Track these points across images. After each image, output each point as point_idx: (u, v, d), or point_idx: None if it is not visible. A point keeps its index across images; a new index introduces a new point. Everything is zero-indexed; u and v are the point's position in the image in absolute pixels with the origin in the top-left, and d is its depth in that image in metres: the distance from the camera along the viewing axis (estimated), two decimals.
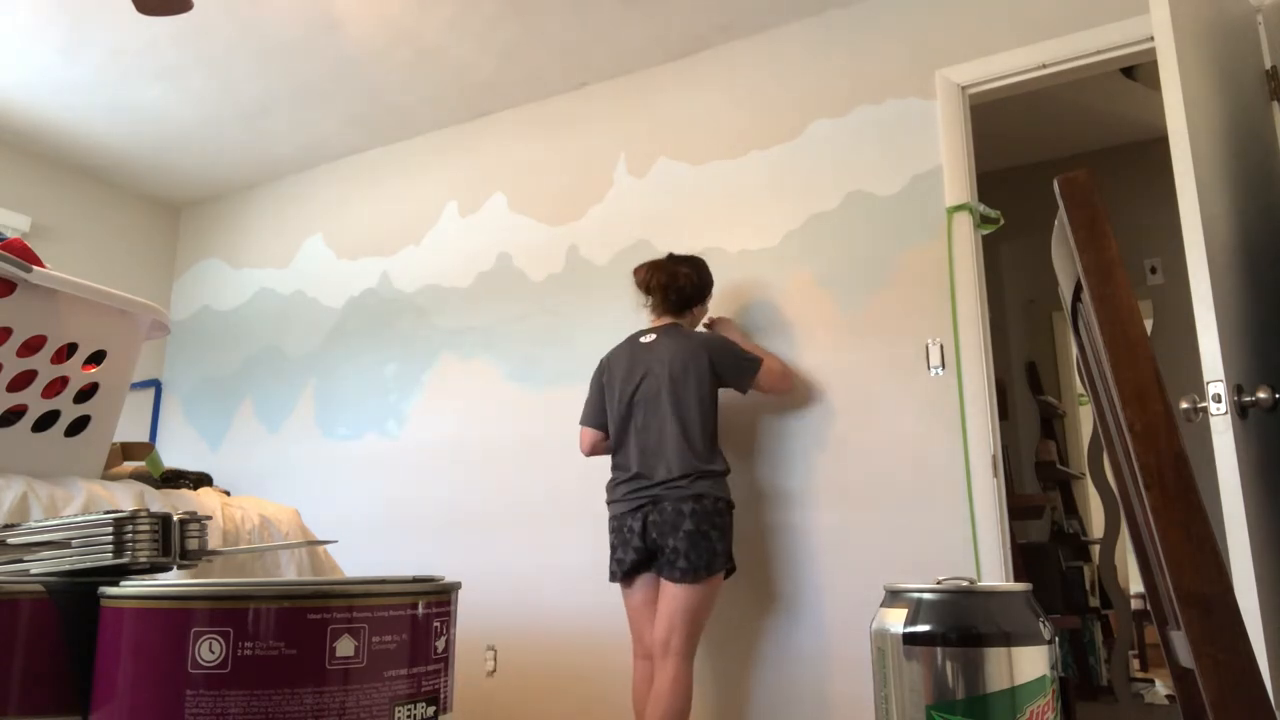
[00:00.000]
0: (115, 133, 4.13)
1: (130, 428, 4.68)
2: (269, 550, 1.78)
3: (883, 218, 3.01)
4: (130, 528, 0.87)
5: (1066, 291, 1.08)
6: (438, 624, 0.73)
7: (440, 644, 0.73)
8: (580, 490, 3.37)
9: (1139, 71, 3.82)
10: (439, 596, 0.73)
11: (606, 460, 3.27)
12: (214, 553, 0.98)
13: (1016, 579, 2.87)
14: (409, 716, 0.68)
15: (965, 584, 0.68)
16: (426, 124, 4.07)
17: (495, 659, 3.41)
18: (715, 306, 3.23)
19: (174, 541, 0.92)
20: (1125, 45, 2.74)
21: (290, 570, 1.83)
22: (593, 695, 3.18)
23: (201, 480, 1.94)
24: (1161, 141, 4.33)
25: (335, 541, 1.10)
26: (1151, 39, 2.68)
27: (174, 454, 4.53)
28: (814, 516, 2.92)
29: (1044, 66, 2.85)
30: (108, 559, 0.86)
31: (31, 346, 1.50)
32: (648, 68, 3.62)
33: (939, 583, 0.69)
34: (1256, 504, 1.60)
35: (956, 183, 2.88)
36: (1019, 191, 4.63)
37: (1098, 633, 4.15)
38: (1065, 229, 0.89)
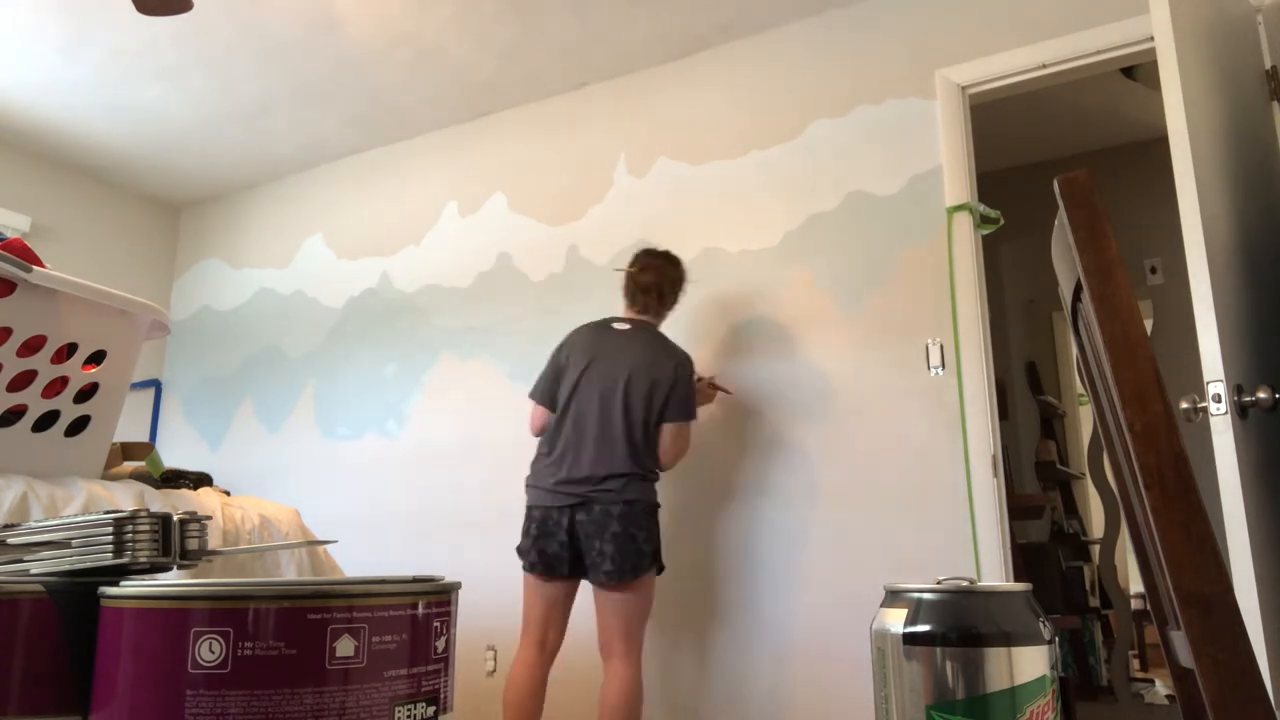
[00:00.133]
0: (115, 133, 4.13)
1: (130, 428, 4.68)
2: (269, 550, 1.78)
3: (883, 218, 3.01)
4: (130, 528, 0.87)
5: (1066, 291, 1.08)
6: (438, 624, 0.73)
7: (440, 644, 0.73)
8: None
9: (1139, 71, 3.82)
10: (439, 596, 0.73)
11: None
12: (214, 553, 0.98)
13: (1016, 579, 2.87)
14: (409, 716, 0.68)
15: (965, 584, 0.68)
16: (426, 124, 4.07)
17: (495, 659, 3.41)
18: (716, 307, 3.23)
19: (174, 541, 0.92)
20: (1125, 45, 2.74)
21: (290, 570, 1.83)
22: (593, 695, 3.18)
23: (201, 480, 1.94)
24: (1161, 141, 4.34)
25: (335, 541, 1.10)
26: (1151, 39, 2.68)
27: (174, 454, 4.53)
28: (814, 516, 2.92)
29: (1044, 66, 2.85)
30: (108, 559, 0.86)
31: (31, 346, 1.50)
32: (648, 68, 3.62)
33: (939, 583, 0.69)
34: (1256, 504, 1.60)
35: (956, 183, 2.88)
36: (1019, 191, 4.63)
37: (1098, 633, 4.15)
38: (1065, 229, 0.89)
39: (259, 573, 1.78)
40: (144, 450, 1.90)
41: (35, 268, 1.46)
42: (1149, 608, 1.10)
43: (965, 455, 2.72)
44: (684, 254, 3.36)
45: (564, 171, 3.72)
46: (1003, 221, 2.96)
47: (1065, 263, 1.05)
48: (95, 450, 1.67)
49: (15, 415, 1.53)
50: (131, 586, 0.68)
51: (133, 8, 3.07)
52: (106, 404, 1.66)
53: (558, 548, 2.50)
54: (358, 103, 3.88)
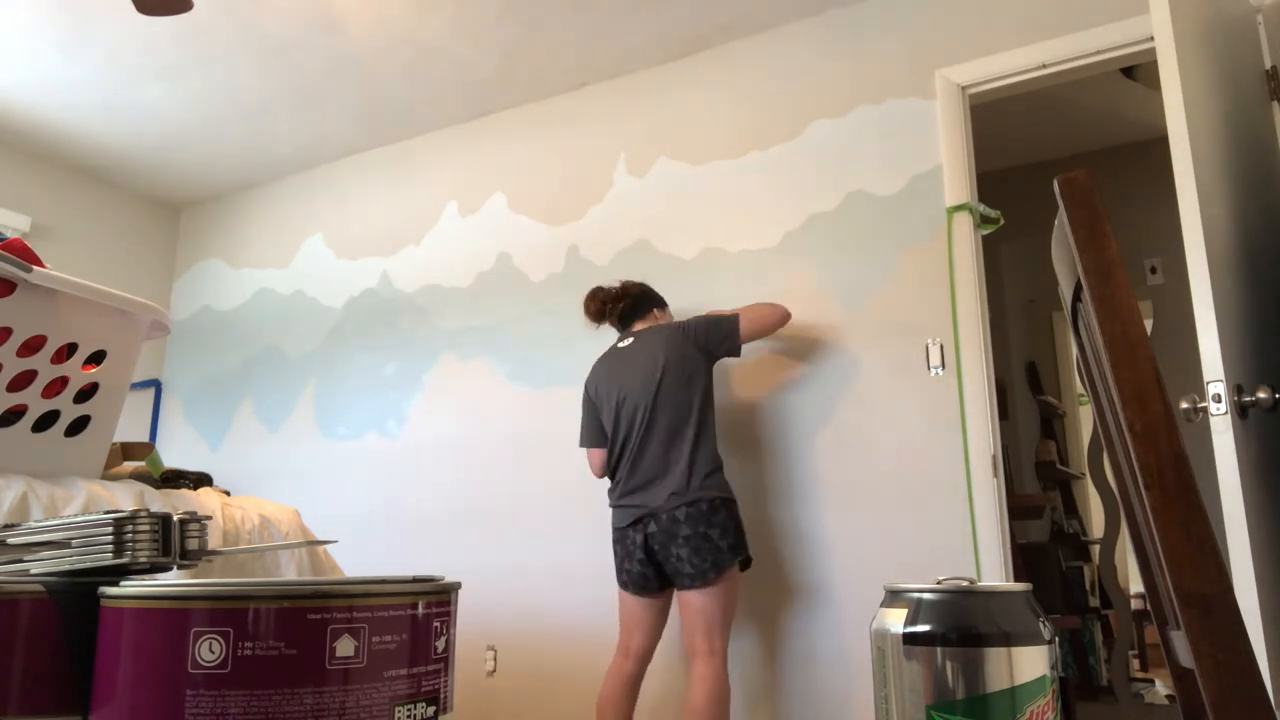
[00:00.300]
0: (115, 133, 4.13)
1: (130, 428, 4.68)
2: (269, 550, 1.78)
3: (883, 218, 3.01)
4: (130, 528, 0.87)
5: (1066, 291, 1.08)
6: (438, 624, 0.73)
7: (440, 644, 0.73)
8: (580, 490, 3.37)
9: (1139, 71, 3.82)
10: (439, 596, 0.73)
11: None
12: (214, 553, 0.98)
13: (1016, 579, 2.87)
14: (409, 716, 0.68)
15: (965, 584, 0.68)
16: (426, 124, 4.07)
17: (495, 659, 3.41)
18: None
19: (174, 541, 0.92)
20: (1125, 45, 2.74)
21: (290, 570, 1.83)
22: (592, 695, 3.18)
23: (201, 480, 1.94)
24: (1161, 141, 4.34)
25: (335, 541, 1.10)
26: (1151, 39, 2.68)
27: (174, 454, 4.53)
28: (814, 516, 2.92)
29: (1044, 66, 2.85)
30: (108, 559, 0.86)
31: (31, 346, 1.50)
32: (648, 67, 3.62)
33: (939, 583, 0.69)
34: (1256, 504, 1.60)
35: (956, 183, 2.88)
36: (1019, 191, 4.63)
37: (1098, 633, 4.15)
38: (1065, 229, 0.89)
39: (259, 573, 1.78)
40: (144, 450, 1.90)
41: (35, 268, 1.46)
42: (1149, 608, 1.10)
43: (965, 455, 2.72)
44: (684, 254, 3.36)
45: (564, 171, 3.72)
46: (1003, 221, 2.96)
47: (1065, 263, 1.05)
48: (95, 450, 1.67)
49: (15, 415, 1.53)
50: (131, 586, 0.68)
51: (133, 8, 3.07)
52: (106, 404, 1.66)
53: (639, 565, 2.56)
54: (358, 103, 3.88)
